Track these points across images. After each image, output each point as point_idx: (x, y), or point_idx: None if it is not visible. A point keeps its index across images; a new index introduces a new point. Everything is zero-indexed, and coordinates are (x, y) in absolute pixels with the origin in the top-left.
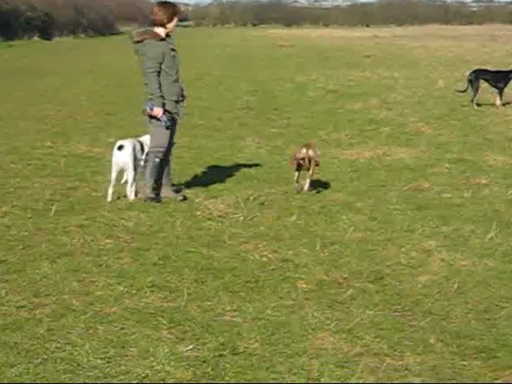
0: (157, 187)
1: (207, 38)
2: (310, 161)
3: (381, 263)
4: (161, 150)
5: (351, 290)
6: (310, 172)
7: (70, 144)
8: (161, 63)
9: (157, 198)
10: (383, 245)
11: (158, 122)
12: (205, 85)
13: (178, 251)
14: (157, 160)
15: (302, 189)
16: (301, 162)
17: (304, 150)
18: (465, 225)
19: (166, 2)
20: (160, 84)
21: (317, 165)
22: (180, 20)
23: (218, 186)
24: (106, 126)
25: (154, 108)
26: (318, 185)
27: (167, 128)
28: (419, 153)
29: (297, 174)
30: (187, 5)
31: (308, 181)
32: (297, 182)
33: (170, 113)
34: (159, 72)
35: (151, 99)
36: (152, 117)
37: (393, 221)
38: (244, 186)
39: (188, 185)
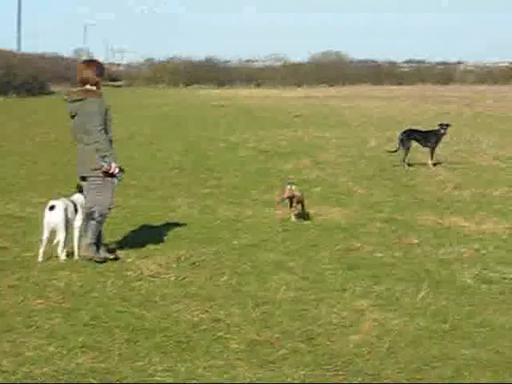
0: (98, 246)
1: (139, 98)
2: (292, 198)
3: (313, 323)
4: (110, 207)
5: (283, 349)
6: (298, 207)
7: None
8: (104, 120)
9: (113, 255)
10: (315, 304)
11: (112, 179)
12: (136, 144)
13: (110, 311)
14: (101, 219)
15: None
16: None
17: (288, 188)
18: (396, 284)
19: (93, 61)
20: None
21: (299, 202)
22: (112, 80)
23: (149, 246)
24: (37, 186)
25: (112, 164)
26: (249, 244)
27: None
28: (351, 212)
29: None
30: (119, 65)
31: (293, 215)
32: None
33: (121, 169)
34: (105, 129)
35: (104, 156)
36: (106, 174)
37: (324, 280)
38: (176, 246)
39: (119, 245)
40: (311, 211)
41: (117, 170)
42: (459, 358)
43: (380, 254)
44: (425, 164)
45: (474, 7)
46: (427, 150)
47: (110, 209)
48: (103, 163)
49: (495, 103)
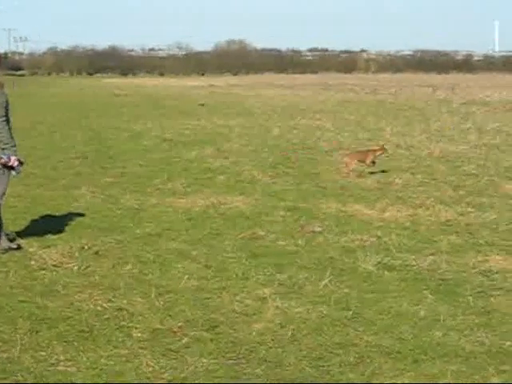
0: None
1: (41, 87)
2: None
3: (216, 311)
4: (4, 197)
5: (186, 338)
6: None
7: None
8: (6, 111)
9: (15, 244)
10: (218, 293)
11: (11, 171)
12: (39, 134)
13: (12, 301)
14: None
15: None
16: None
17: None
18: (299, 272)
19: None
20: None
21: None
22: (14, 69)
23: (52, 236)
24: None
25: (11, 157)
26: (152, 233)
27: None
28: (254, 201)
29: None
30: (21, 53)
31: None
32: None
33: (21, 162)
34: (7, 120)
35: (4, 148)
36: (5, 166)
37: (228, 269)
38: (79, 235)
39: (22, 234)
40: (215, 200)
41: (16, 163)
42: (362, 344)
43: (283, 242)
44: (327, 151)
45: None
46: (330, 136)
47: (2, 199)
48: (2, 155)
49: (398, 91)
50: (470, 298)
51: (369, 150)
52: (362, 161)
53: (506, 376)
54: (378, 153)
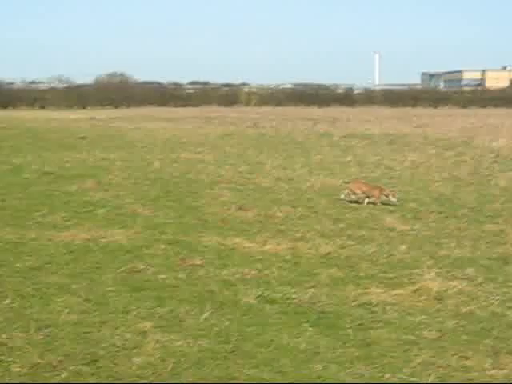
0: None
1: None
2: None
3: (96, 345)
4: None
5: (65, 372)
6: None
7: None
8: None
9: None
10: (98, 327)
11: None
12: None
13: None
14: None
15: None
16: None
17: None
18: (180, 306)
19: None
20: None
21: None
22: None
23: None
24: None
25: None
26: (32, 267)
27: None
28: (135, 234)
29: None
30: None
31: None
32: None
33: None
34: None
35: None
36: None
37: (108, 302)
38: None
39: None
40: (95, 233)
41: None
42: (242, 378)
43: (164, 276)
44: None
45: (262, 34)
46: (211, 169)
47: None
48: None
49: (279, 124)
50: (350, 330)
51: (377, 187)
52: (367, 193)
53: None
54: (385, 192)
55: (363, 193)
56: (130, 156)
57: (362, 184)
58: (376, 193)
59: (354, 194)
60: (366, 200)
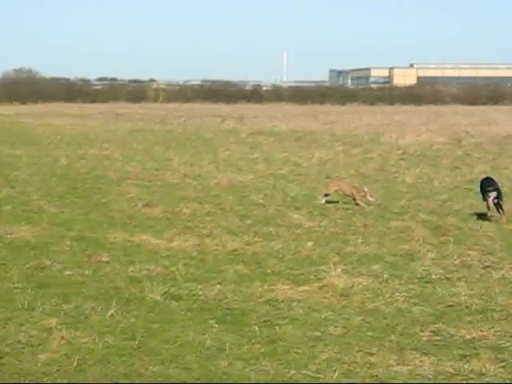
0: None
1: None
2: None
3: (1, 342)
4: None
5: None
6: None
7: None
8: None
9: None
10: (3, 323)
11: None
12: None
13: None
14: None
15: None
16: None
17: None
18: (85, 302)
19: None
20: None
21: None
22: None
23: None
24: None
25: None
26: None
27: None
28: (41, 230)
29: None
30: None
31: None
32: None
33: None
34: None
35: None
36: None
37: (13, 299)
38: None
39: None
40: (1, 230)
41: None
42: (147, 374)
43: (70, 272)
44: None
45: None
46: (118, 165)
47: None
48: None
49: (187, 121)
50: (256, 327)
51: (355, 187)
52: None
53: None
54: (362, 194)
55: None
56: (37, 152)
57: (341, 183)
58: (353, 192)
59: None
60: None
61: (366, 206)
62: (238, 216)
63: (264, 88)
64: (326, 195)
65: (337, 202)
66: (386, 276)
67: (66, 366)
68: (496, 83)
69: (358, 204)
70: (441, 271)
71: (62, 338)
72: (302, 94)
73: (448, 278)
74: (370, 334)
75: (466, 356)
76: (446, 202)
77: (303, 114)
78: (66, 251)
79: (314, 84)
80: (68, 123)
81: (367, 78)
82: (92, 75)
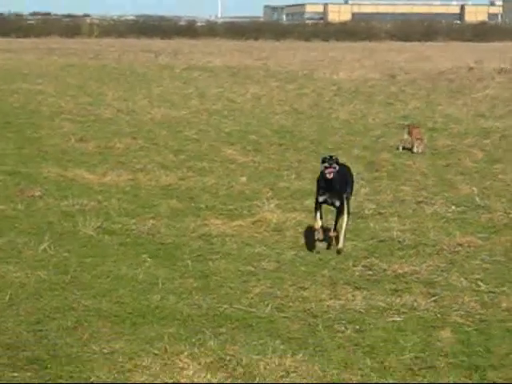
0: None
1: None
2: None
3: None
4: None
5: None
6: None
7: None
8: None
9: None
10: None
11: None
12: None
13: None
14: None
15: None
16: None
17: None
18: (18, 237)
19: None
20: None
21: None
22: None
23: None
24: None
25: None
26: None
27: None
28: None
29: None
30: None
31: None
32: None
33: None
34: None
35: None
36: None
37: None
38: None
39: None
40: None
41: None
42: (80, 309)
43: (2, 207)
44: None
45: None
46: (52, 100)
47: None
48: None
49: (121, 56)
50: (189, 261)
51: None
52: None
53: (223, 338)
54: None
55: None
56: None
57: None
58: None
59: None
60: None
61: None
62: (172, 151)
63: (198, 23)
64: (405, 141)
65: (270, 137)
66: None
67: None
68: (430, 19)
69: (413, 152)
70: (374, 206)
71: None
72: (236, 30)
73: (381, 213)
74: (302, 268)
75: (397, 290)
76: (380, 138)
77: (238, 50)
78: None
79: (248, 20)
80: (1, 58)
81: (302, 13)
82: (25, 10)
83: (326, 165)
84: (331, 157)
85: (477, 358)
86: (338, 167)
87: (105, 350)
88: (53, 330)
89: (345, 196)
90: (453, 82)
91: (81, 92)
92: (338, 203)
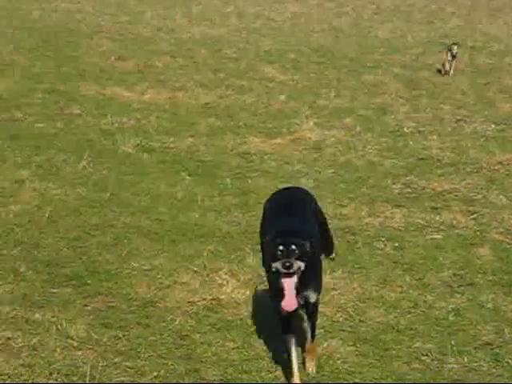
0: None
1: None
2: None
3: None
4: None
5: None
6: None
7: None
8: None
9: None
10: None
11: None
12: None
13: None
14: None
15: None
16: None
17: None
18: (58, 154)
19: None
20: None
21: None
22: None
23: None
24: None
25: None
26: None
27: None
28: (12, 83)
29: None
30: None
31: None
32: None
33: None
34: None
35: None
36: None
37: None
38: None
39: None
40: None
41: None
42: (119, 225)
43: (41, 125)
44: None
45: None
46: (91, 19)
47: None
48: None
49: None
50: (228, 179)
51: None
52: None
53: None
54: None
55: None
56: (8, 5)
57: None
58: None
59: None
60: None
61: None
62: (211, 70)
63: None
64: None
65: (309, 55)
66: (358, 129)
67: (37, 217)
68: None
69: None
70: (413, 125)
71: (34, 189)
72: None
73: (420, 132)
74: (341, 186)
75: (436, 208)
76: (419, 57)
77: None
78: (38, 104)
79: None
80: None
81: None
82: None
83: (282, 269)
84: (289, 245)
85: None
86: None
87: (144, 267)
88: (92, 247)
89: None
90: (493, 0)
91: (119, 10)
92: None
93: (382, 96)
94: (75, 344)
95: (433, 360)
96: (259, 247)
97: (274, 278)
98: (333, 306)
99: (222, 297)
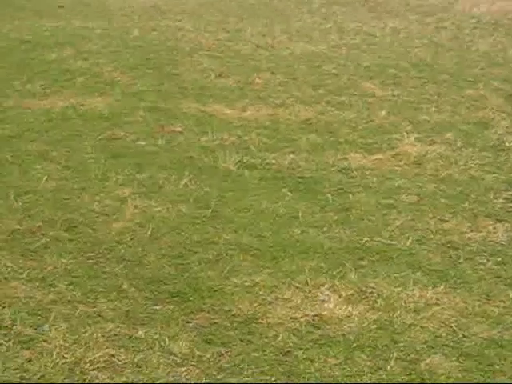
0: None
1: None
2: None
3: (75, 211)
4: None
5: (45, 238)
6: None
7: None
8: None
9: None
10: (77, 193)
11: None
12: None
13: None
14: None
15: None
16: None
17: None
18: (159, 172)
19: None
20: None
21: None
22: None
23: None
24: None
25: None
26: (11, 135)
27: None
28: (114, 102)
29: None
30: None
31: None
32: None
33: None
34: None
35: None
36: None
37: (88, 169)
38: None
39: None
40: (74, 101)
41: None
42: (221, 242)
43: (143, 143)
44: (188, 52)
45: None
46: (191, 37)
47: None
48: None
49: None
50: (329, 195)
51: None
52: None
53: (364, 271)
54: None
55: None
56: (109, 24)
57: None
58: None
59: None
60: None
61: None
62: (311, 86)
63: None
64: None
65: (409, 70)
66: (459, 144)
67: (139, 235)
68: None
69: None
70: None
71: (136, 207)
72: None
73: None
74: (443, 201)
75: None
76: None
77: None
78: (139, 122)
79: None
80: None
81: None
82: None
83: None
84: None
85: None
86: None
87: (246, 283)
88: (194, 264)
89: None
90: None
91: (219, 28)
92: None
93: (482, 110)
94: (178, 361)
95: None
96: (361, 262)
97: None
98: (435, 320)
99: (325, 313)
